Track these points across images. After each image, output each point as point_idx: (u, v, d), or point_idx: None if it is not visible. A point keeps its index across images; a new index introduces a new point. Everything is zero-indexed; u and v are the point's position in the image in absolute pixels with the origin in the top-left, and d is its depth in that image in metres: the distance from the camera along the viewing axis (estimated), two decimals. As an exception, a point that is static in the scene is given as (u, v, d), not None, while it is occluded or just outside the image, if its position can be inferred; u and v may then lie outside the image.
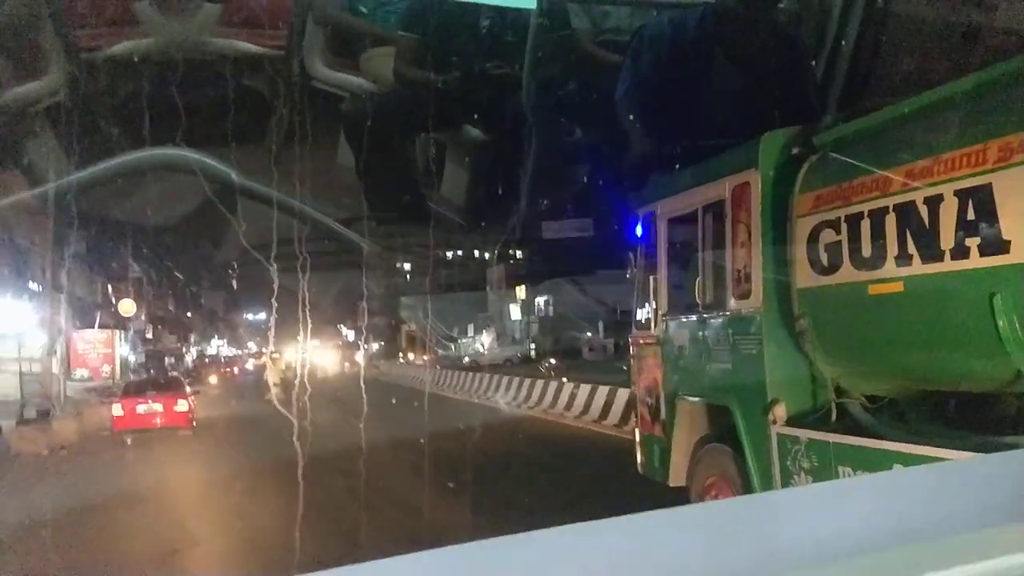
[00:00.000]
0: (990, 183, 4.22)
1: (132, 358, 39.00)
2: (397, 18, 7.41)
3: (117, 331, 36.64)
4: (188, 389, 20.93)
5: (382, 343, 57.03)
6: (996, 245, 4.20)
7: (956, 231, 4.41)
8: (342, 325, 61.16)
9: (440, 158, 8.68)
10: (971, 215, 4.33)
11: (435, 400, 25.59)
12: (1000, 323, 4.14)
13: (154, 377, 28.69)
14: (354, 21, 7.88)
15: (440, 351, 49.82)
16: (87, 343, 33.34)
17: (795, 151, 5.87)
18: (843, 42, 7.17)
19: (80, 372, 31.73)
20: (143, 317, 43.62)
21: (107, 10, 7.13)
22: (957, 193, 4.40)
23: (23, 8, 6.73)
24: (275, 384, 23.21)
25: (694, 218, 6.86)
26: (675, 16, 7.37)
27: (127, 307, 36.04)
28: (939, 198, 4.51)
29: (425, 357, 48.33)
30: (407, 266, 53.71)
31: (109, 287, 37.21)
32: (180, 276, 50.84)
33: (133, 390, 20.52)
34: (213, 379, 33.47)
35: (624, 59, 7.22)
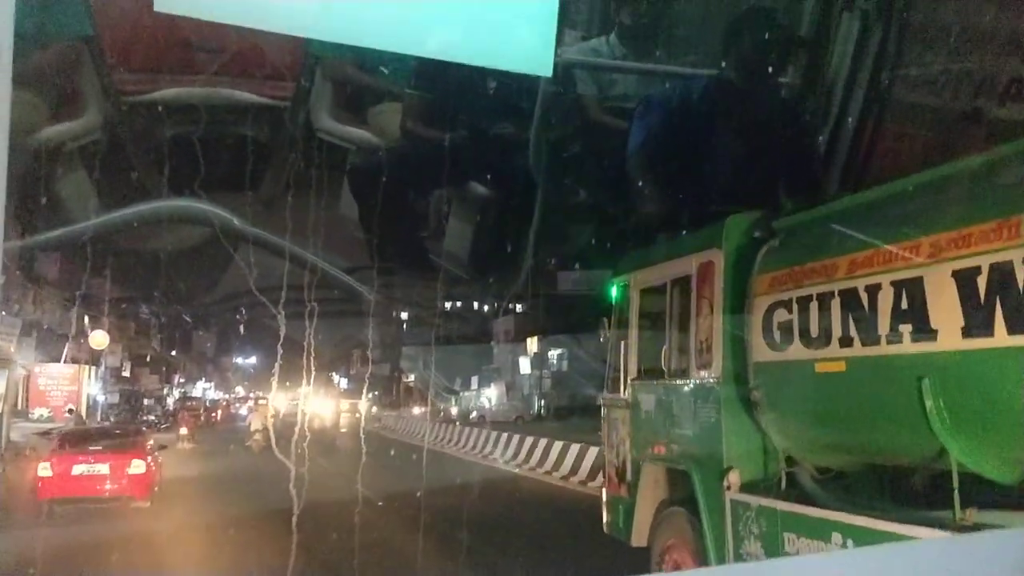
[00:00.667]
0: (921, 276, 4.64)
1: (103, 398, 35.28)
2: (406, 76, 7.53)
3: (87, 367, 32.90)
4: (151, 443, 15.62)
5: (378, 393, 54.87)
6: (925, 333, 4.60)
7: (891, 318, 4.82)
8: (336, 374, 60.25)
9: (445, 213, 8.90)
10: (904, 304, 4.74)
11: (438, 458, 24.04)
12: (927, 404, 4.51)
13: (103, 427, 22.26)
14: (363, 77, 7.97)
15: (442, 404, 47.45)
16: (50, 379, 29.37)
17: (756, 234, 6.31)
18: (847, 118, 7.30)
19: (39, 411, 27.80)
20: (123, 353, 39.91)
21: (167, 56, 7.19)
22: (893, 283, 4.82)
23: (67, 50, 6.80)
24: (256, 431, 22.73)
25: (663, 290, 7.27)
26: (679, 85, 7.58)
27: (99, 340, 31.41)
28: (878, 287, 4.92)
29: (422, 409, 45.62)
30: (405, 315, 51.64)
31: (85, 318, 32.54)
32: (167, 316, 48.53)
33: (72, 442, 14.56)
34: (184, 430, 28.60)
35: (630, 124, 7.48)
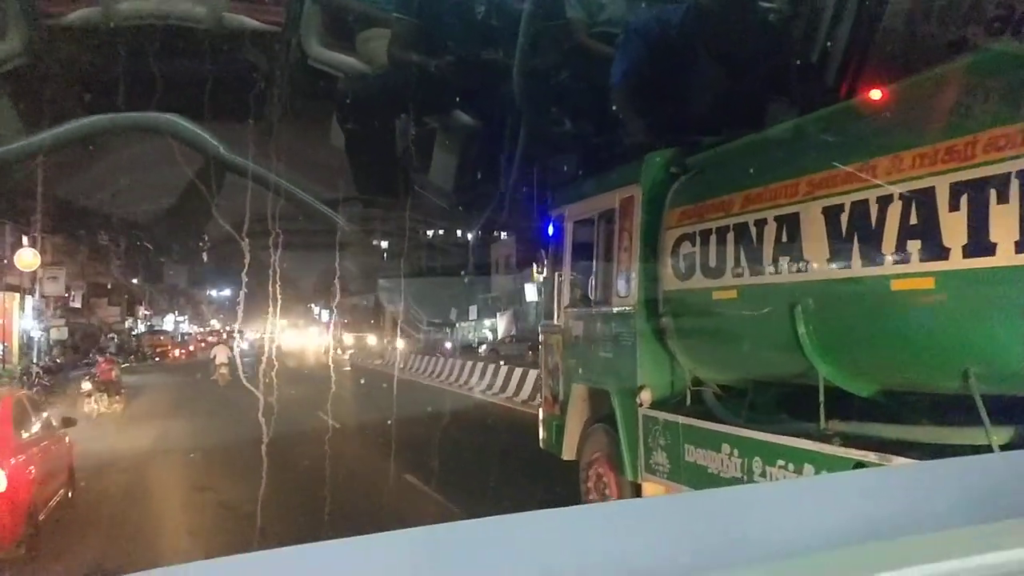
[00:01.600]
0: (798, 212, 5.10)
1: (39, 333, 28.31)
2: (394, 1, 7.43)
3: (17, 295, 26.87)
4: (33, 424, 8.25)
5: (363, 326, 50.02)
6: (799, 264, 5.09)
7: (774, 250, 5.30)
8: (316, 306, 56.62)
9: (430, 140, 8.73)
10: (784, 237, 5.21)
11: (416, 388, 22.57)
12: (799, 328, 5.03)
13: None
14: (351, 2, 7.86)
15: (435, 335, 43.23)
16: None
17: (672, 170, 6.73)
18: (834, 41, 7.09)
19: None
20: (70, 280, 33.16)
21: None
22: (776, 218, 5.28)
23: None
24: (222, 364, 22.89)
25: (592, 223, 7.70)
26: (662, 11, 7.53)
27: (27, 260, 25.48)
28: (764, 221, 5.38)
29: (405, 340, 39.94)
30: (385, 244, 48.37)
31: (23, 238, 26.92)
32: (129, 242, 42.94)
33: None
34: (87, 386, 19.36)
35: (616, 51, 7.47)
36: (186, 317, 61.28)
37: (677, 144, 7.20)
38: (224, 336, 39.03)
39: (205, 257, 47.70)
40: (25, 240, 26.77)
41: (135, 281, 47.59)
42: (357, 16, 7.85)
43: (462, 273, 46.88)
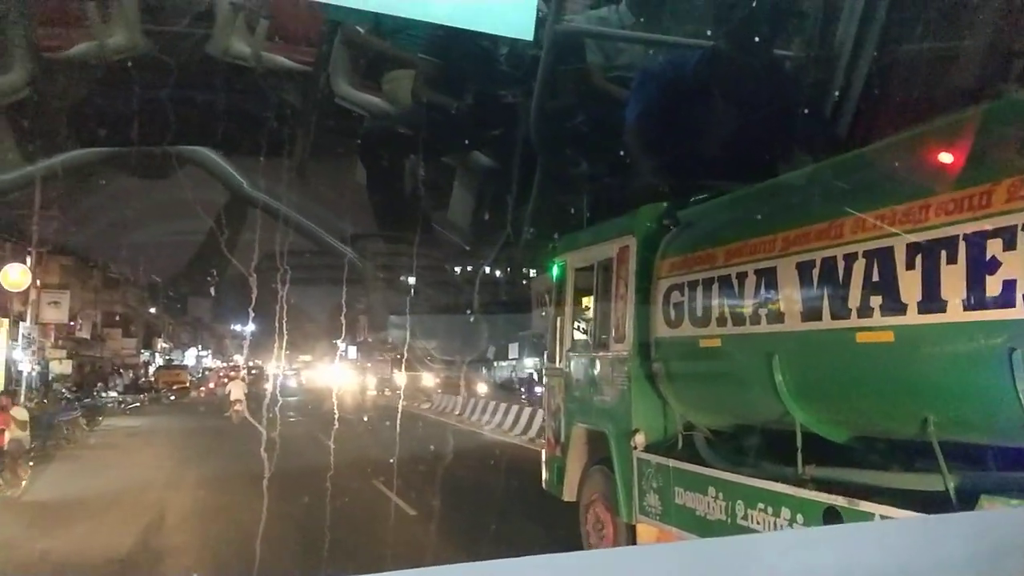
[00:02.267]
0: (775, 266, 5.38)
1: (28, 367, 22.27)
2: (419, 43, 7.65)
3: (5, 320, 21.72)
4: None
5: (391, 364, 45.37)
6: (776, 315, 5.36)
7: (753, 301, 5.57)
8: (340, 342, 53.68)
9: (452, 179, 9.00)
10: (763, 290, 5.49)
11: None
12: (776, 377, 5.29)
13: None
14: (378, 43, 8.08)
15: (470, 374, 37.99)
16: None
17: (664, 222, 7.05)
18: (849, 89, 7.38)
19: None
20: (79, 309, 29.52)
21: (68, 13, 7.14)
22: (756, 272, 5.57)
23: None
24: (237, 400, 21.96)
25: (592, 270, 8.01)
26: (676, 56, 7.61)
27: (13, 279, 21.45)
28: (745, 274, 5.67)
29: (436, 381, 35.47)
30: (412, 280, 47.32)
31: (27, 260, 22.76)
32: (148, 273, 39.55)
33: None
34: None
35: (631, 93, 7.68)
36: (209, 352, 59.60)
37: (682, 190, 7.42)
38: (241, 371, 35.79)
39: (215, 290, 43.97)
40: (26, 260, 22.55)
41: (153, 311, 43.87)
42: (383, 57, 8.08)
43: (496, 309, 44.13)
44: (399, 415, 23.44)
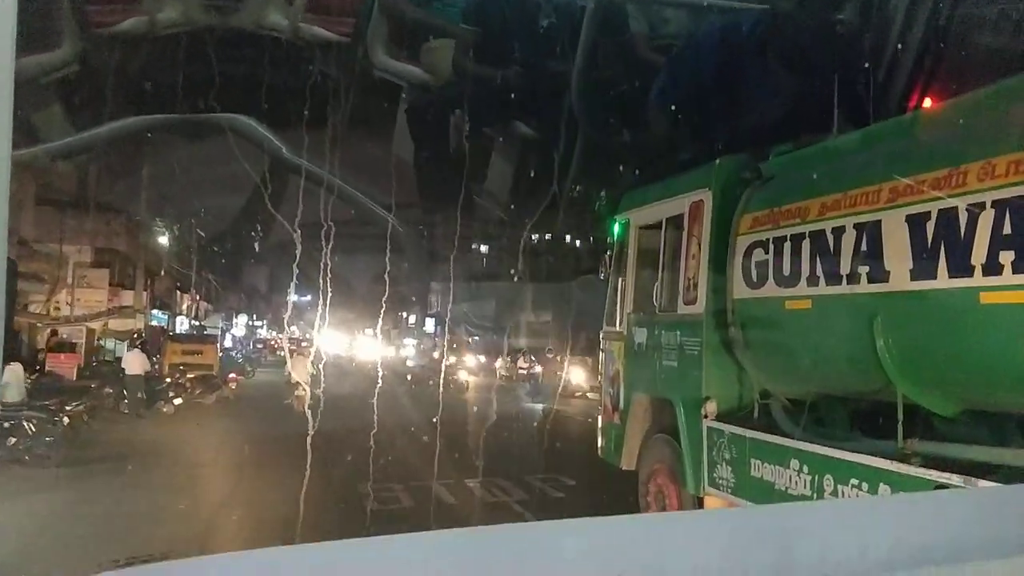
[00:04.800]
0: (880, 220, 4.87)
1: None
2: (457, 11, 7.57)
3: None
4: None
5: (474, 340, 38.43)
6: (879, 274, 4.85)
7: (852, 259, 5.07)
8: (407, 313, 48.66)
9: (507, 149, 8.87)
10: (864, 247, 4.98)
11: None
12: (878, 341, 4.80)
13: None
14: (417, 12, 7.98)
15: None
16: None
17: (744, 175, 6.53)
18: (904, 52, 7.14)
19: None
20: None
21: None
22: (856, 226, 5.06)
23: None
24: (298, 383, 16.35)
25: (659, 228, 7.54)
26: (728, 20, 7.34)
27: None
28: (842, 229, 5.16)
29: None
30: (484, 248, 40.64)
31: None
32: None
33: None
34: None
35: (679, 62, 7.37)
36: (264, 322, 51.89)
37: (744, 150, 7.03)
38: (301, 345, 28.48)
39: (258, 246, 32.89)
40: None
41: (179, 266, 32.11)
42: (423, 27, 7.96)
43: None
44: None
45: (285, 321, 40.17)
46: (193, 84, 7.90)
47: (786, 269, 5.69)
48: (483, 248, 41.65)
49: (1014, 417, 4.53)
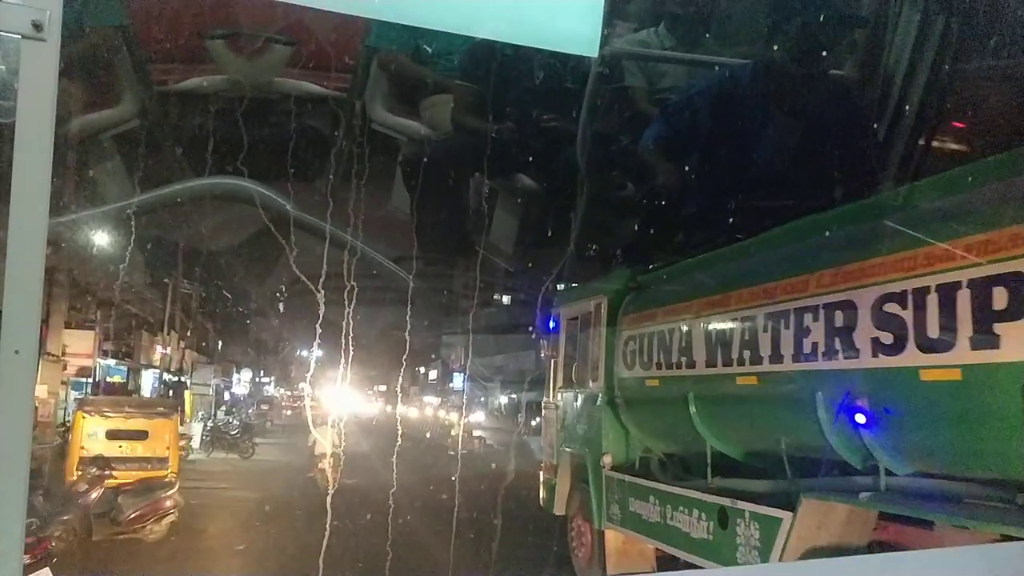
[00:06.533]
0: (690, 327, 7.08)
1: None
2: (457, 67, 7.57)
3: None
4: None
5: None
6: (690, 362, 7.05)
7: (676, 352, 7.28)
8: (425, 369, 47.32)
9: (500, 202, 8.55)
10: (683, 343, 7.19)
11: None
12: (691, 409, 6.95)
13: None
14: (416, 68, 7.94)
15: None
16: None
17: (629, 285, 8.79)
18: (905, 108, 7.04)
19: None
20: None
21: (182, 47, 7.39)
22: (677, 329, 7.27)
23: (103, 40, 6.97)
24: (322, 454, 15.42)
25: (577, 321, 9.77)
26: (723, 72, 7.34)
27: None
28: (673, 330, 7.38)
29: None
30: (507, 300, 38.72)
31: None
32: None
33: None
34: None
35: (675, 116, 7.37)
36: (272, 379, 49.32)
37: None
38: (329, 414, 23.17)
39: (282, 307, 32.25)
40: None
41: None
42: (422, 82, 7.86)
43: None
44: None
45: (308, 380, 34.23)
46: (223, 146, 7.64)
47: (645, 357, 7.90)
48: (505, 299, 39.17)
49: (768, 457, 6.56)
